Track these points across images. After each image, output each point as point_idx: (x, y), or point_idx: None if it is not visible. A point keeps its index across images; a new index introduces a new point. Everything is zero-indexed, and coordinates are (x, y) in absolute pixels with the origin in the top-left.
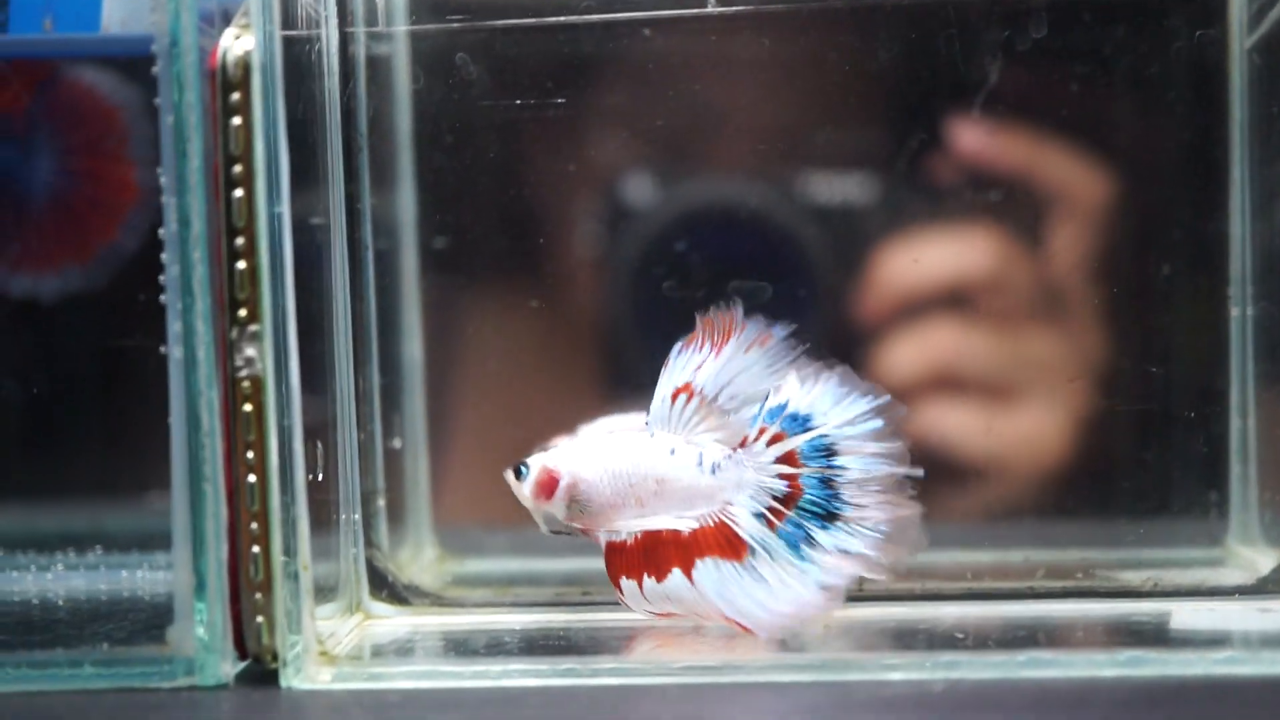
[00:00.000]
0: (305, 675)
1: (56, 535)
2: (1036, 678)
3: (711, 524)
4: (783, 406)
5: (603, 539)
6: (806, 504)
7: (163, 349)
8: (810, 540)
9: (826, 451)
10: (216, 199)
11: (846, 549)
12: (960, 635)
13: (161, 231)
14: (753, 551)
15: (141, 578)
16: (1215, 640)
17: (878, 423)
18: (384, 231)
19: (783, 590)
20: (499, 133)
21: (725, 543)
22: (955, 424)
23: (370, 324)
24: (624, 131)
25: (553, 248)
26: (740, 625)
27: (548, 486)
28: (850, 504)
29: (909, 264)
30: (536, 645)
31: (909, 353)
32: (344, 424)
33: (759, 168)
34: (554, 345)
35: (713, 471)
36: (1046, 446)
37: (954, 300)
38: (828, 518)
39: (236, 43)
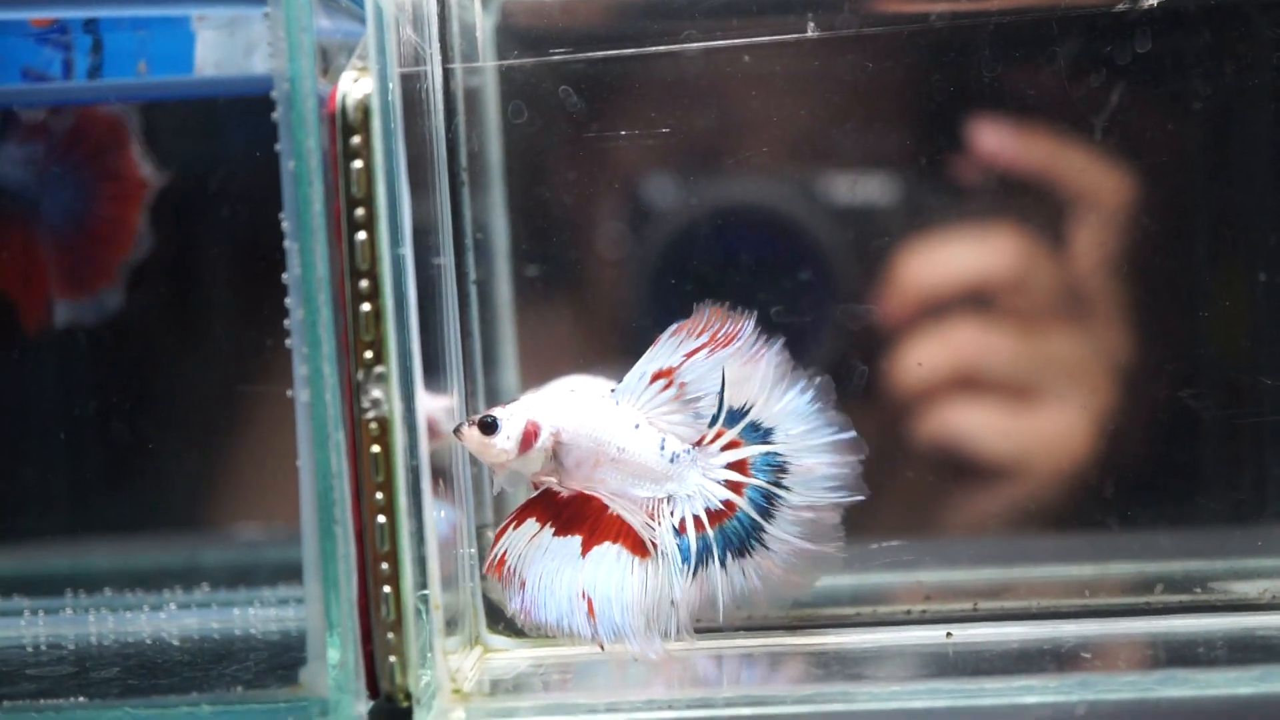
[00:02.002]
0: (438, 712)
1: (159, 572)
2: (1173, 697)
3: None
4: (745, 413)
5: (546, 484)
6: (731, 529)
7: (289, 392)
8: (706, 565)
9: (777, 469)
10: (339, 242)
11: (725, 592)
12: (1087, 655)
13: (285, 276)
14: (652, 556)
15: (253, 616)
16: None
17: (836, 454)
18: (482, 262)
19: (649, 603)
20: (599, 163)
21: (639, 540)
22: (978, 425)
23: (476, 358)
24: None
25: (651, 272)
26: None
27: (528, 439)
28: (771, 541)
29: (932, 264)
30: (661, 674)
31: (932, 353)
32: (457, 459)
33: (863, 200)
34: None
35: (671, 460)
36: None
37: (979, 301)
38: (739, 552)
39: (355, 86)
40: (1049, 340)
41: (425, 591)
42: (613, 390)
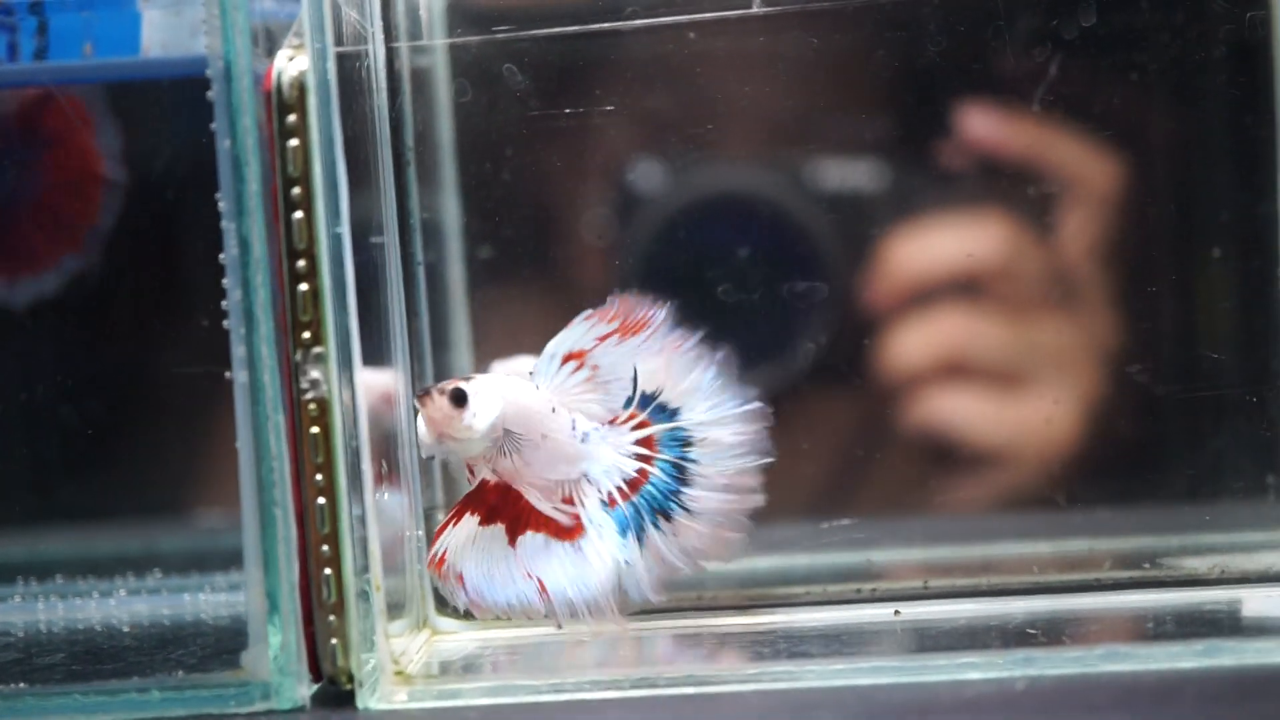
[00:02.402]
0: (381, 695)
1: (114, 559)
2: (1117, 671)
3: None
4: (655, 397)
5: (480, 474)
6: (649, 494)
7: (227, 374)
8: (641, 531)
9: (684, 443)
10: (276, 222)
11: (667, 551)
12: (1033, 631)
13: (222, 256)
14: (584, 533)
15: (204, 601)
16: None
17: (740, 424)
18: (431, 244)
19: (596, 574)
20: (544, 141)
21: (560, 526)
22: (965, 410)
23: (424, 339)
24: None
25: (600, 254)
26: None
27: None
28: (689, 502)
29: (918, 251)
30: (609, 655)
31: (918, 339)
32: (405, 440)
33: (811, 173)
34: None
35: (582, 440)
36: (1074, 433)
37: (966, 287)
38: (664, 515)
39: (290, 64)
40: (1033, 327)
41: (367, 574)
42: (530, 373)
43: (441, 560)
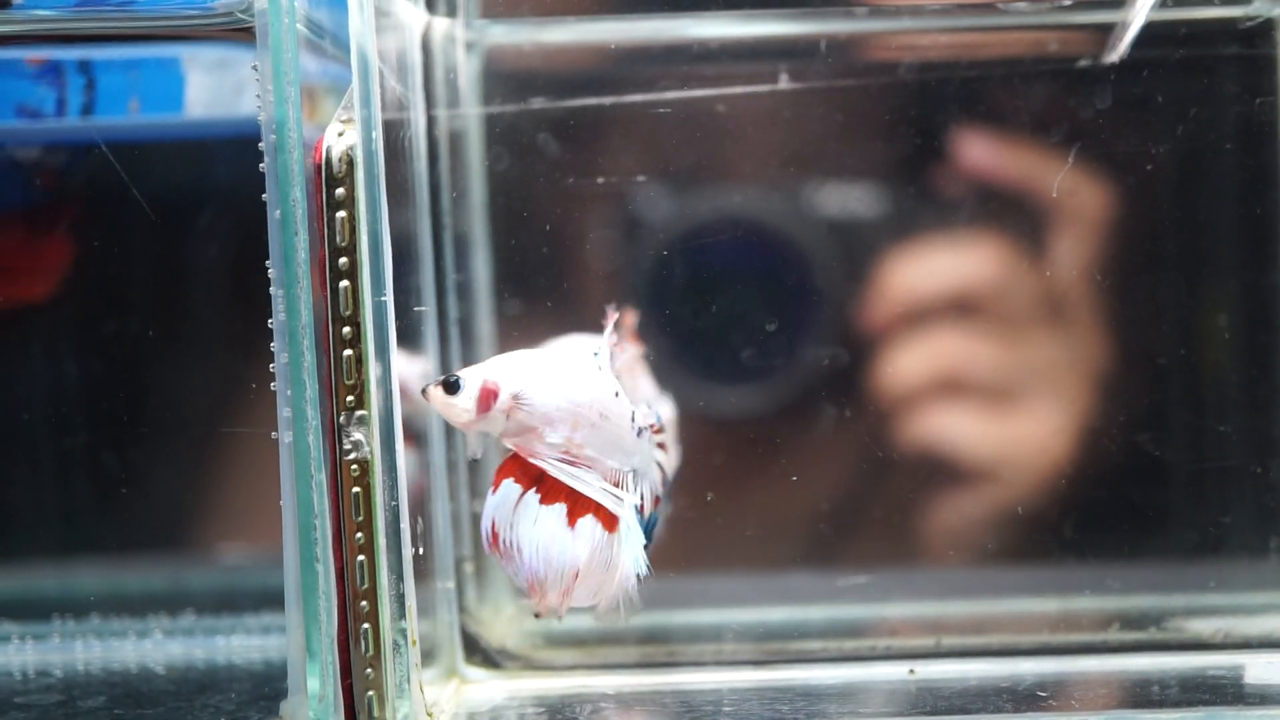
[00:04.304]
0: None
1: (146, 598)
2: None
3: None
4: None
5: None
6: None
7: (274, 434)
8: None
9: None
10: (323, 289)
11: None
12: (1043, 694)
13: (270, 322)
14: (617, 529)
15: (236, 644)
16: None
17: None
18: (464, 299)
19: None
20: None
21: (610, 514)
22: (961, 432)
23: None
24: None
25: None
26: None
27: (485, 400)
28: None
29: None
30: (634, 710)
31: (913, 361)
32: (438, 495)
33: (841, 254)
34: None
35: (638, 434)
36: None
37: (960, 309)
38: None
39: (340, 140)
40: (1029, 348)
41: (403, 625)
42: (595, 354)
43: (495, 537)
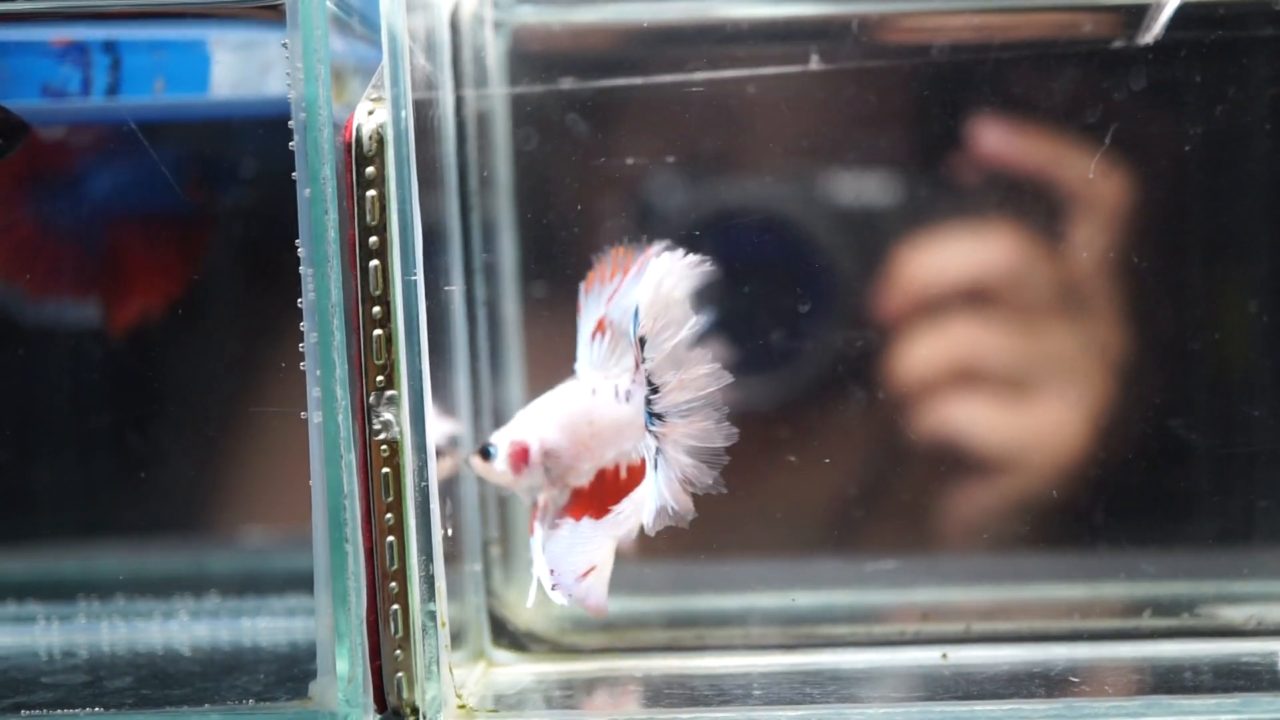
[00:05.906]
0: None
1: (171, 580)
2: None
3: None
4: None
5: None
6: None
7: (303, 414)
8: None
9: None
10: (353, 268)
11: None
12: (1075, 679)
13: (300, 301)
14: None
15: (262, 626)
16: None
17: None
18: (490, 281)
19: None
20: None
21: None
22: (976, 421)
23: (483, 376)
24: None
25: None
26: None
27: (520, 458)
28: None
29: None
30: (662, 694)
31: (929, 350)
32: (467, 476)
33: (872, 230)
34: None
35: (626, 399)
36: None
37: (975, 298)
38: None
39: (370, 118)
40: (1045, 337)
41: (433, 607)
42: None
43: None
